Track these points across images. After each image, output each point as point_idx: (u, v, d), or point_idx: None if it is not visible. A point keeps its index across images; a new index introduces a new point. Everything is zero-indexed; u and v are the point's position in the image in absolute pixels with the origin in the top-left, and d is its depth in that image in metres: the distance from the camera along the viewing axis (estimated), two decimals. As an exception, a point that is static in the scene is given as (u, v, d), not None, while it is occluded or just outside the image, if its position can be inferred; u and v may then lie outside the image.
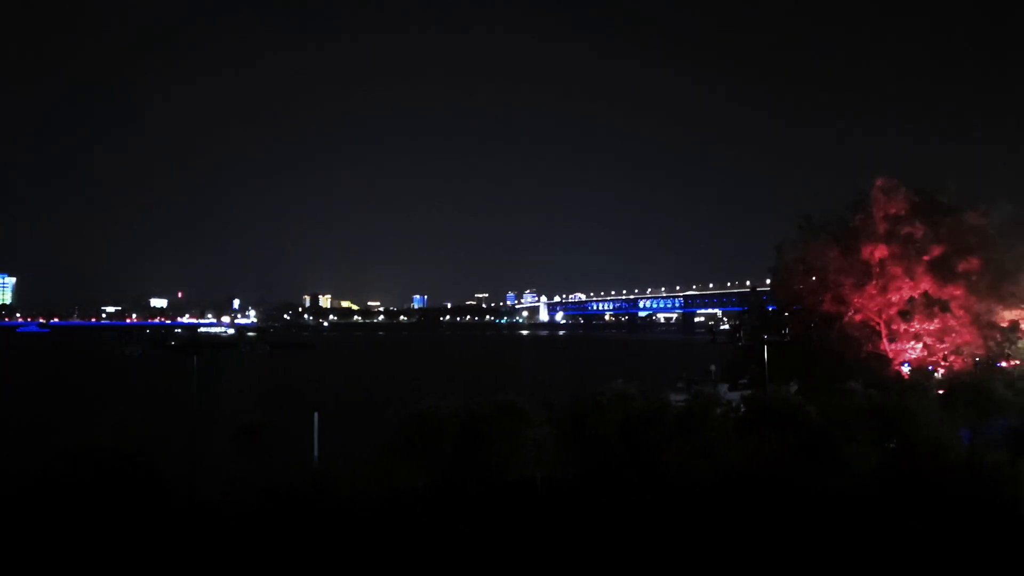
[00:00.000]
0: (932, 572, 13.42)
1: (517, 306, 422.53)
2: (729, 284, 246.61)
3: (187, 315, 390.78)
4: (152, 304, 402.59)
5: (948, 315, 34.92)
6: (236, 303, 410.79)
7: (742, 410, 21.55)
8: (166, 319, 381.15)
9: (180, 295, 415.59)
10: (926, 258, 35.45)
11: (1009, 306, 36.40)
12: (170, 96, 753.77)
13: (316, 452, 17.71)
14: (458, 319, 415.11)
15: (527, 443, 17.08)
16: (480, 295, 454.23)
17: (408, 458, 16.10)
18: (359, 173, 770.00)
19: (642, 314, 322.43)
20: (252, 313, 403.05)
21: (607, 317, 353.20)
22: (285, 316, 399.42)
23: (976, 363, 35.14)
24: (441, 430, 16.60)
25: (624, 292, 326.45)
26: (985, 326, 35.46)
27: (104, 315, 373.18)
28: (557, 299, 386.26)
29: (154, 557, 12.49)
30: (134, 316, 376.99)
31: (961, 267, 35.10)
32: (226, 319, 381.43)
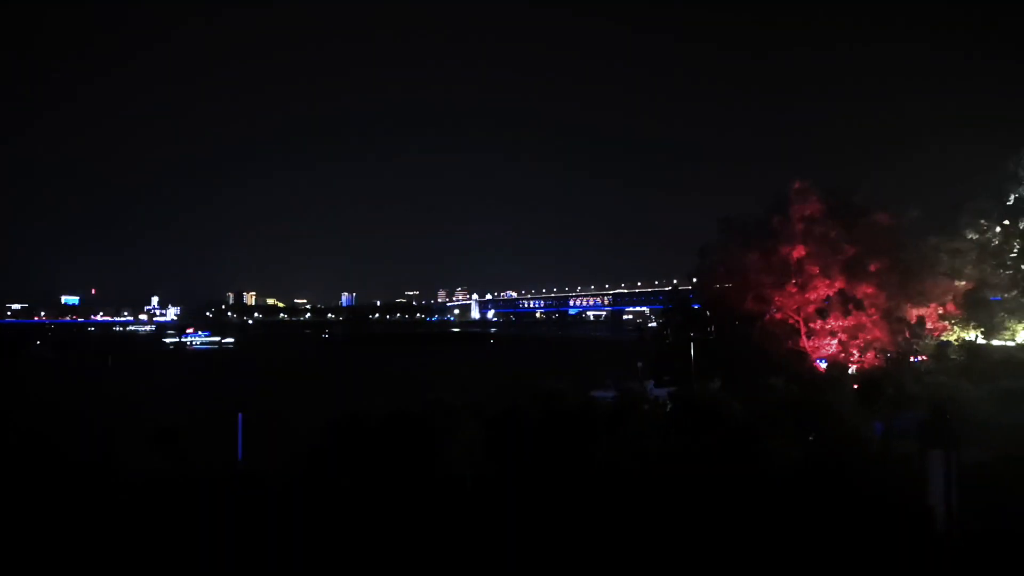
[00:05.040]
0: (844, 554, 13.95)
1: (448, 304, 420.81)
2: (657, 283, 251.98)
3: (101, 313, 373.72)
4: (63, 301, 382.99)
5: (861, 312, 36.50)
6: (155, 300, 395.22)
7: (669, 406, 22.02)
8: (78, 317, 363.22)
9: (93, 292, 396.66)
10: (840, 258, 36.90)
11: (916, 304, 38.35)
12: (86, 86, 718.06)
13: (240, 453, 17.19)
14: (388, 317, 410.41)
15: (457, 441, 16.99)
16: (411, 293, 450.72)
17: (337, 457, 15.79)
18: (287, 168, 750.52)
19: (572, 312, 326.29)
20: (172, 311, 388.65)
21: (538, 315, 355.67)
22: (208, 314, 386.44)
23: (887, 358, 36.88)
24: (371, 429, 16.34)
25: (555, 290, 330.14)
26: (895, 323, 37.28)
27: (9, 312, 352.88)
28: (489, 297, 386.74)
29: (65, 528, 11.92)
30: (43, 314, 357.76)
31: (873, 267, 36.70)
32: (144, 317, 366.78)
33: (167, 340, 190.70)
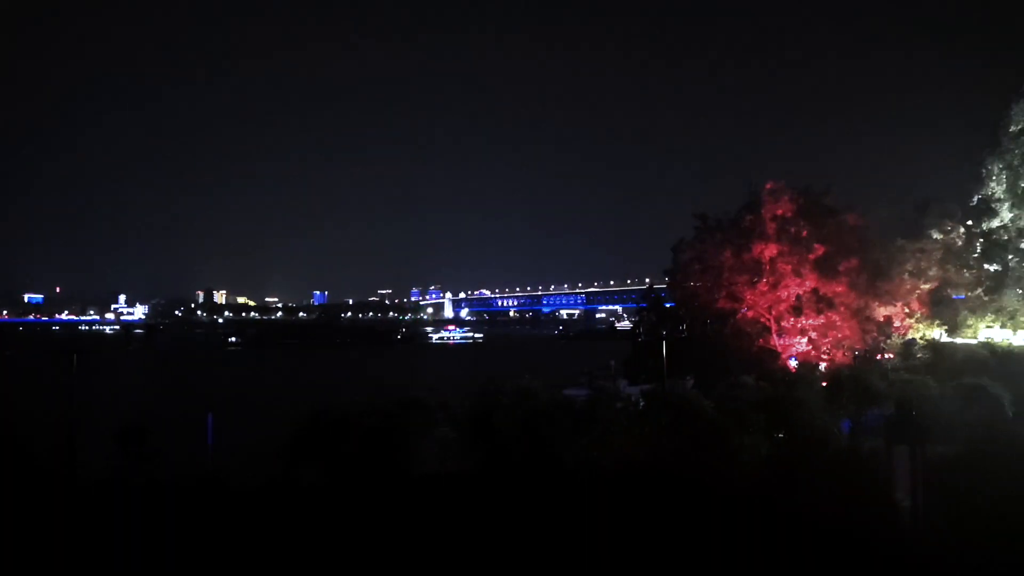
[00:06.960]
0: (811, 548, 14.17)
1: (422, 303, 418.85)
2: (629, 282, 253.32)
3: (66, 311, 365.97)
4: (26, 299, 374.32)
5: (831, 311, 37.13)
6: (122, 299, 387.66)
7: (641, 404, 22.18)
8: (42, 316, 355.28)
9: (58, 290, 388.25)
10: (811, 257, 37.51)
11: (884, 303, 39.08)
12: (49, 79, 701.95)
13: (211, 453, 16.98)
14: (360, 315, 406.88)
15: (433, 439, 16.98)
16: (383, 291, 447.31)
17: (312, 457, 15.69)
18: (257, 163, 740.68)
19: (546, 310, 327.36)
20: (140, 309, 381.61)
21: (512, 314, 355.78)
22: (176, 312, 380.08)
23: (855, 356, 37.55)
24: (346, 427, 16.25)
25: (528, 289, 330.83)
26: (863, 322, 37.96)
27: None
28: (462, 295, 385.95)
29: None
30: (5, 312, 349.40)
31: (842, 266, 37.37)
32: (110, 316, 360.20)
33: (432, 336, 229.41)
